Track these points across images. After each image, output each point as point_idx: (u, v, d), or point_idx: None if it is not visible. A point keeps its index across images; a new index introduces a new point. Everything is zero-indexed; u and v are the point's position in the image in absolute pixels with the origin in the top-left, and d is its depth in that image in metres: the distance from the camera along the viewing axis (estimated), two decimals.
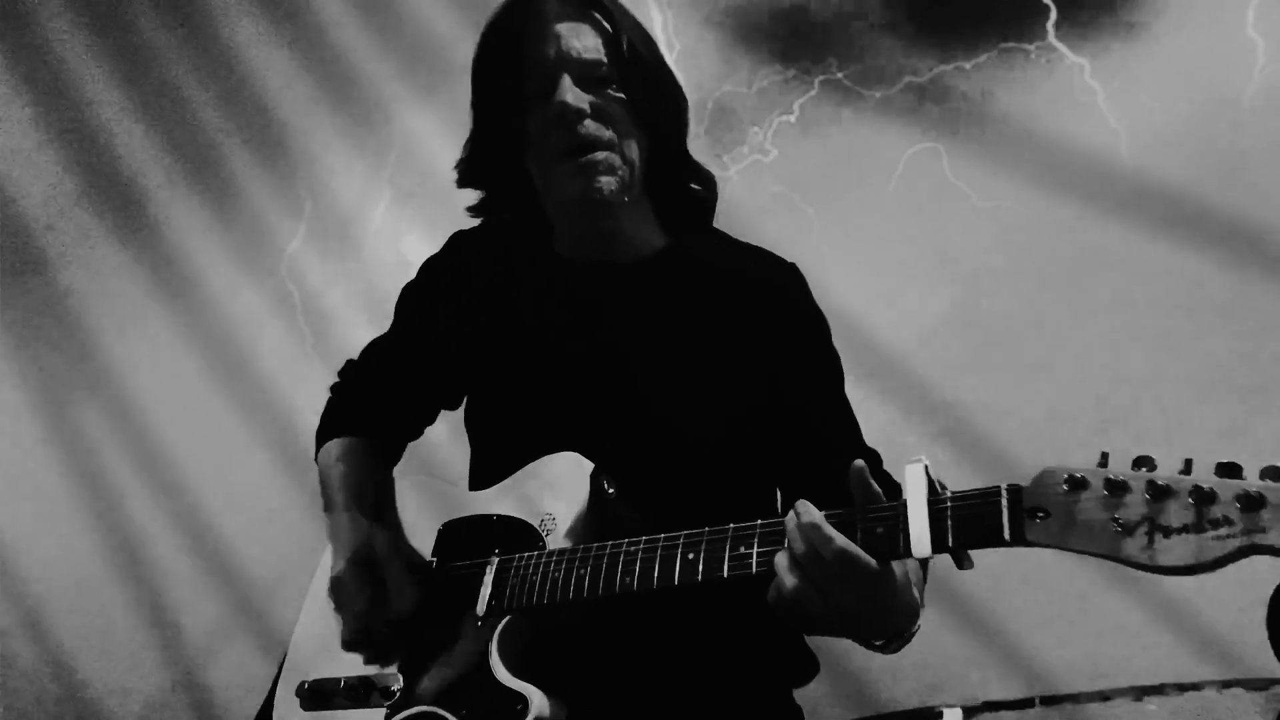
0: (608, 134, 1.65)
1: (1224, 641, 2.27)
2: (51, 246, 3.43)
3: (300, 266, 3.28)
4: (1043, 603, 2.44)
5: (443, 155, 3.26)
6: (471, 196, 1.88)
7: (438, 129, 3.27)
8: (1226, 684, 1.78)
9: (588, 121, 1.63)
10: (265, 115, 3.42)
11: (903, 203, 2.82)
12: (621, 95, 1.67)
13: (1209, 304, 2.55)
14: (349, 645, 1.57)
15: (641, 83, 1.70)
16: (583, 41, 1.66)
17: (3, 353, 3.36)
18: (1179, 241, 2.57)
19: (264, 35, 3.45)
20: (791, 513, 1.28)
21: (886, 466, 1.72)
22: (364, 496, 1.73)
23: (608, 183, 1.65)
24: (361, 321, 3.15)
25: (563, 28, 1.67)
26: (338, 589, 1.58)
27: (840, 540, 1.22)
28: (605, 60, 1.67)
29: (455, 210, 3.13)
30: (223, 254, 3.33)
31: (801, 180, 2.86)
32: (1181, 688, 1.82)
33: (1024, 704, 1.99)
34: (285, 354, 3.20)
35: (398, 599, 1.55)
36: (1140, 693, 1.76)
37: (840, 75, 2.92)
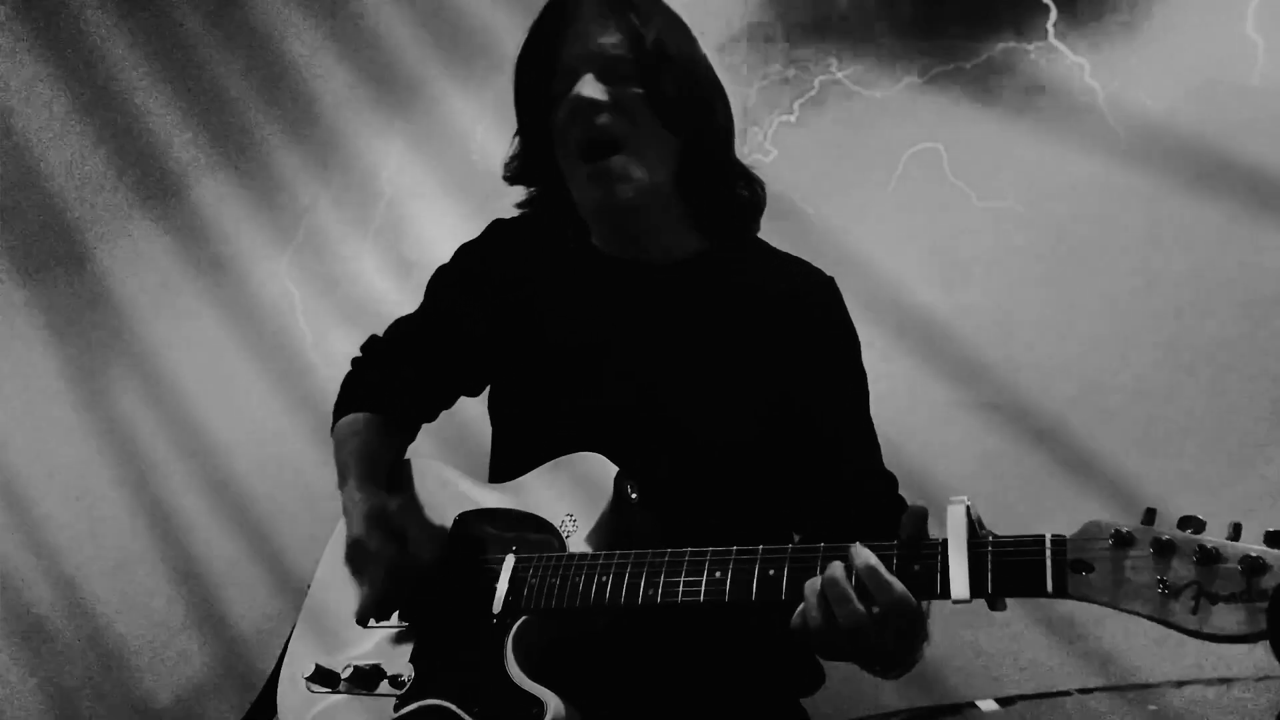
0: (626, 128, 1.63)
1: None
2: (86, 227, 3.46)
3: (321, 248, 3.29)
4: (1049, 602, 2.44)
5: (443, 156, 3.28)
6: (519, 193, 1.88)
7: (438, 130, 3.27)
8: (1262, 678, 1.78)
9: (604, 115, 1.61)
10: (265, 115, 3.41)
11: (903, 203, 2.82)
12: (641, 90, 1.64)
13: (1209, 303, 2.55)
14: (371, 606, 1.55)
15: (671, 78, 1.66)
16: (609, 38, 1.65)
17: (37, 332, 3.39)
18: (1179, 240, 2.57)
19: (264, 36, 3.45)
20: (837, 564, 1.26)
21: (884, 461, 1.73)
22: (378, 471, 1.72)
23: (624, 189, 1.63)
24: (378, 301, 3.17)
25: (593, 26, 1.66)
26: (357, 551, 1.56)
27: (899, 588, 1.21)
28: (630, 56, 1.64)
29: (455, 210, 3.14)
30: (246, 236, 3.36)
31: (801, 180, 2.85)
32: (1219, 681, 1.81)
33: (1060, 694, 1.98)
34: (311, 334, 3.22)
35: (420, 550, 1.55)
36: (1177, 684, 1.76)
37: (840, 75, 2.92)
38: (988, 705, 1.85)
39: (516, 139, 1.84)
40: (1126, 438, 2.50)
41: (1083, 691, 1.91)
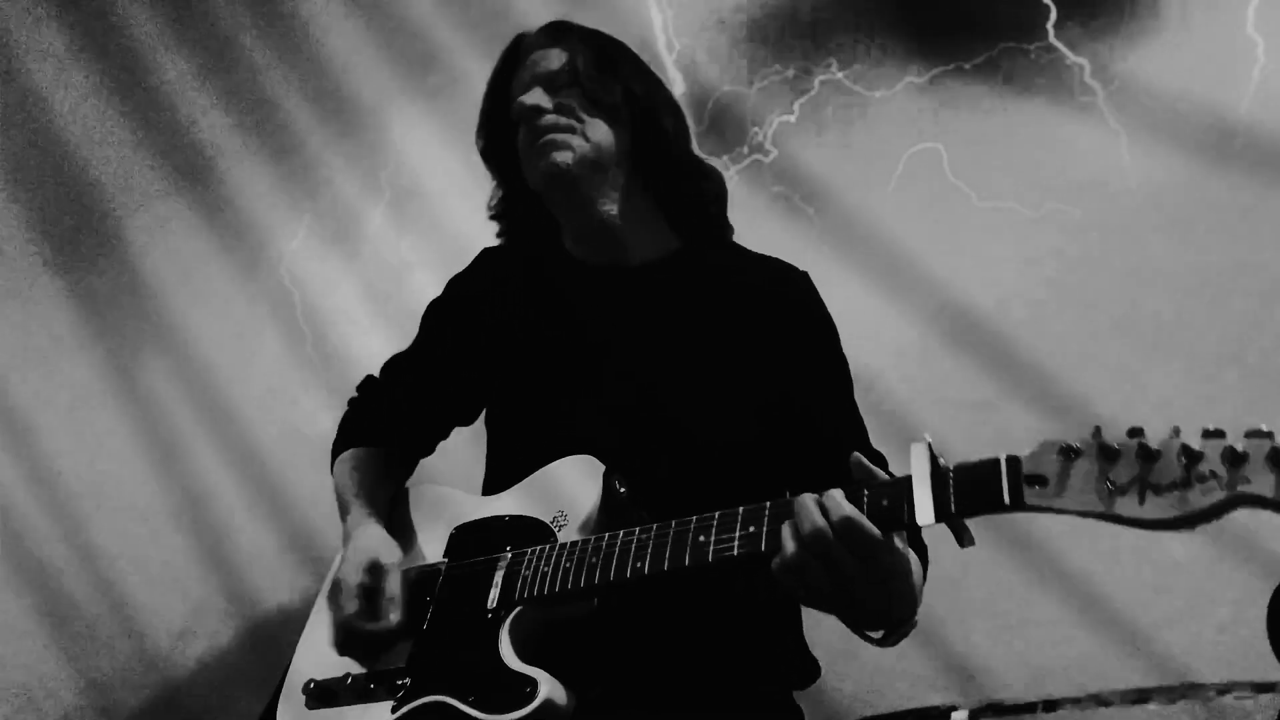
0: (565, 120, 1.76)
1: (1223, 643, 2.27)
2: (113, 207, 3.48)
3: (359, 232, 3.30)
4: (1042, 604, 2.44)
5: (443, 156, 3.28)
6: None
7: (438, 130, 3.27)
8: (1224, 689, 1.78)
9: (548, 116, 1.75)
10: (266, 115, 3.42)
11: (903, 203, 2.82)
12: (582, 89, 1.78)
13: (1209, 303, 2.55)
14: (337, 646, 1.63)
15: (608, 81, 1.81)
16: (550, 61, 1.81)
17: (68, 315, 3.40)
18: (1178, 241, 2.58)
19: (264, 37, 3.45)
20: (804, 495, 1.31)
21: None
22: (378, 504, 1.78)
23: (562, 156, 1.74)
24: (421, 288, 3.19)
25: (536, 55, 1.83)
26: (335, 590, 1.63)
27: (848, 508, 1.26)
28: (569, 68, 1.80)
29: (455, 211, 3.14)
30: (281, 218, 3.38)
31: (801, 180, 2.86)
32: (1178, 692, 1.82)
33: (1028, 707, 1.99)
34: (344, 317, 3.24)
35: (388, 611, 1.58)
36: (1140, 695, 1.76)
37: (840, 75, 2.92)
38: (959, 715, 1.86)
39: (494, 189, 1.97)
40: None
41: (1048, 707, 1.92)
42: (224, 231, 3.41)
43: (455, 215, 3.13)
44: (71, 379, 3.37)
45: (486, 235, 2.04)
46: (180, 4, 3.55)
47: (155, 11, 3.55)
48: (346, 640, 1.61)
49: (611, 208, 1.80)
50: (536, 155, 1.76)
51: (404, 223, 3.27)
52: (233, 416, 3.23)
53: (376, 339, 3.04)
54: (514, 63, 1.86)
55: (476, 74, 3.22)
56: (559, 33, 1.86)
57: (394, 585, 1.60)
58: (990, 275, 2.73)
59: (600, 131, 1.78)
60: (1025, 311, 2.68)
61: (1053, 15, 2.76)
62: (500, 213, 1.97)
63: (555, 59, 1.81)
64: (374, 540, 1.67)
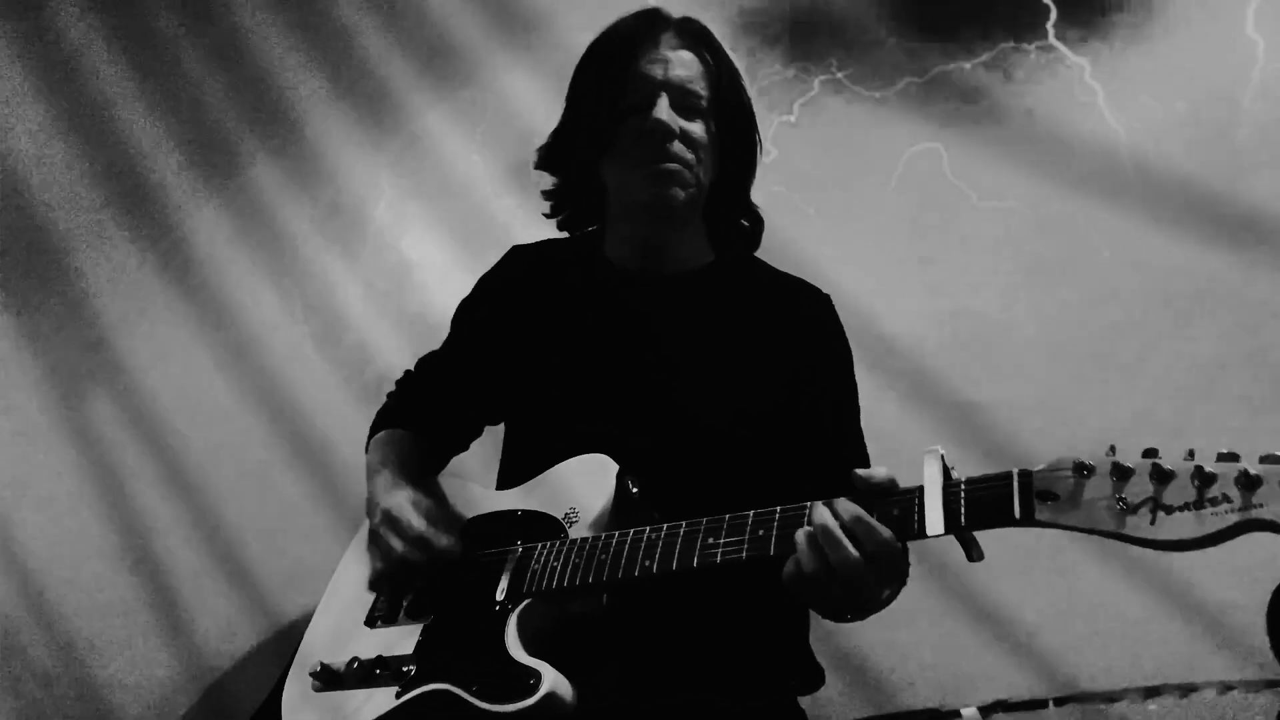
0: (690, 157, 1.78)
1: (1230, 642, 2.27)
2: (62, 239, 3.44)
3: (299, 266, 3.27)
4: (1049, 603, 2.44)
5: (445, 155, 3.28)
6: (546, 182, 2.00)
7: (439, 128, 3.27)
8: (1228, 686, 1.78)
9: (676, 143, 1.76)
10: (265, 115, 3.41)
11: (903, 203, 2.82)
12: (711, 129, 1.81)
13: (1209, 303, 2.55)
14: (383, 574, 1.67)
15: (729, 122, 1.85)
16: (688, 71, 1.80)
17: (12, 344, 3.37)
18: (1179, 241, 2.58)
19: (268, 34, 3.45)
20: (823, 507, 1.34)
21: (887, 461, 1.75)
22: (408, 467, 1.82)
23: (677, 194, 1.78)
24: (361, 322, 3.15)
25: (672, 55, 1.81)
26: (390, 522, 1.65)
27: (885, 533, 1.30)
28: (704, 94, 1.81)
29: (456, 210, 3.14)
30: (228, 252, 3.34)
31: (801, 180, 2.85)
32: (1184, 689, 1.82)
33: (1038, 704, 2.00)
34: (289, 353, 3.19)
35: (444, 539, 1.63)
36: (1147, 693, 1.76)
37: (840, 75, 2.92)
38: (969, 712, 1.87)
39: (556, 130, 1.95)
40: (1127, 435, 2.49)
41: (1058, 702, 1.92)
42: (224, 234, 3.39)
43: (456, 215, 3.13)
44: (19, 411, 3.32)
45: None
46: (140, 38, 3.52)
47: (114, 43, 3.52)
48: (396, 567, 1.64)
49: (678, 233, 1.87)
50: (655, 178, 1.77)
51: (403, 223, 3.26)
52: (184, 452, 3.18)
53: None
54: (640, 37, 1.82)
55: (476, 72, 3.22)
56: (697, 39, 1.85)
57: (444, 519, 1.67)
58: (990, 276, 2.73)
59: (709, 173, 1.83)
60: (1025, 312, 2.68)
61: (1053, 15, 2.76)
62: (556, 188, 1.97)
63: (693, 72, 1.80)
64: (413, 488, 1.73)
